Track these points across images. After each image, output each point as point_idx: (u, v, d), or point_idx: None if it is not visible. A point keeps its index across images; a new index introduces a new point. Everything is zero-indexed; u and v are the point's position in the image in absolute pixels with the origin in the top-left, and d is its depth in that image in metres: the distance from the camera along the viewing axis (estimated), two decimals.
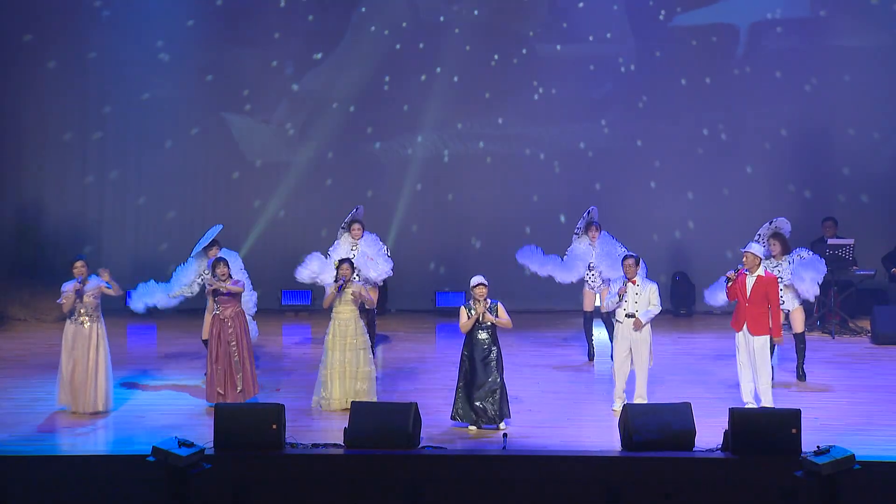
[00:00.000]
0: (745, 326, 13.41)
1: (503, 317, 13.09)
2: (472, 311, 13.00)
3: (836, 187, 19.49)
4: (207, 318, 14.59)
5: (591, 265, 15.72)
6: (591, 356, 16.02)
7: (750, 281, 13.43)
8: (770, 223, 14.80)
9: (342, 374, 13.60)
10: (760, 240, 14.65)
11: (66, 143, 19.44)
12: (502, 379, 13.05)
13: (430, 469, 11.77)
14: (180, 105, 19.49)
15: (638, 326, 13.49)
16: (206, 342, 14.41)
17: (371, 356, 13.84)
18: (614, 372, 13.79)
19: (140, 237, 19.49)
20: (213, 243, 14.73)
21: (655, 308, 13.58)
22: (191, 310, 16.19)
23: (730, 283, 13.48)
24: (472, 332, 13.05)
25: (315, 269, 15.62)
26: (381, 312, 13.91)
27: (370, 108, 19.70)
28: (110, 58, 19.34)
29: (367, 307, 14.04)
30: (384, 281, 16.21)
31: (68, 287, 13.61)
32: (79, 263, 13.63)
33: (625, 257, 13.81)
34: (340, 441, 12.12)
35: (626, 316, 13.59)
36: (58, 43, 19.28)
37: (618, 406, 13.46)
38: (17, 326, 18.41)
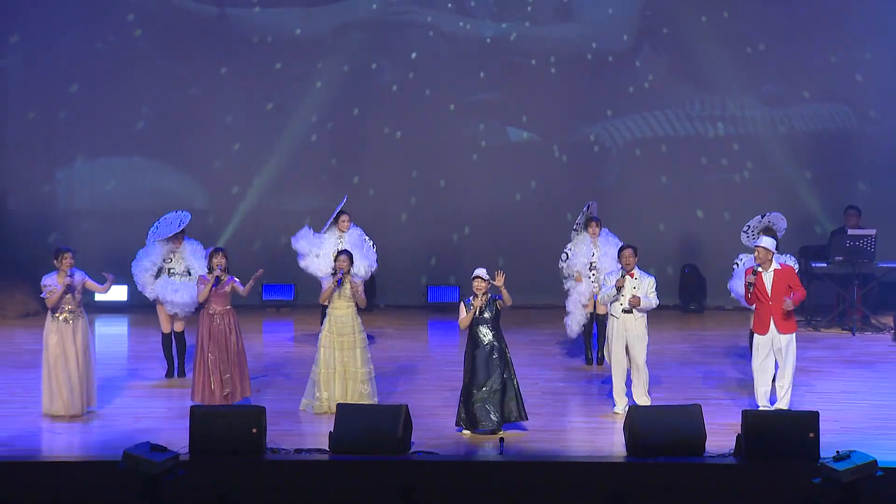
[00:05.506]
0: (772, 327, 12.88)
1: (505, 294, 12.63)
2: (471, 307, 12.64)
3: (857, 174, 19.20)
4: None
5: (594, 265, 15.08)
6: (588, 360, 15.57)
7: (768, 278, 12.91)
8: (763, 216, 14.37)
9: (343, 374, 13.21)
10: (750, 231, 14.34)
11: (30, 123, 19.13)
12: (508, 378, 12.66)
13: (420, 475, 11.50)
14: (153, 84, 19.13)
15: (636, 303, 13.03)
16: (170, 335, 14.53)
17: (369, 355, 13.43)
18: (612, 371, 13.41)
19: (109, 224, 19.10)
20: (181, 232, 14.33)
21: (653, 300, 13.21)
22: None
23: (752, 288, 12.92)
24: (474, 328, 12.69)
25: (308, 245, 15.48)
26: (368, 308, 13.67)
27: (357, 87, 19.34)
28: (79, 33, 19.04)
29: (359, 306, 13.57)
30: (372, 275, 16.00)
31: (51, 281, 13.03)
32: (67, 255, 13.06)
33: (623, 247, 13.38)
34: (325, 446, 11.87)
35: (622, 311, 13.21)
36: (23, 15, 18.87)
37: (619, 407, 13.20)
38: None
